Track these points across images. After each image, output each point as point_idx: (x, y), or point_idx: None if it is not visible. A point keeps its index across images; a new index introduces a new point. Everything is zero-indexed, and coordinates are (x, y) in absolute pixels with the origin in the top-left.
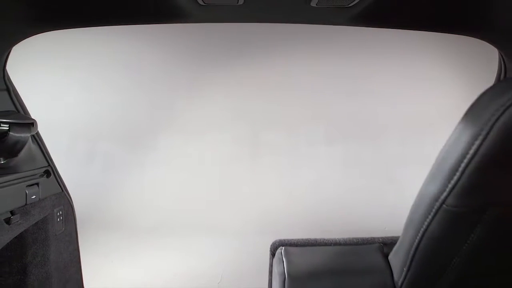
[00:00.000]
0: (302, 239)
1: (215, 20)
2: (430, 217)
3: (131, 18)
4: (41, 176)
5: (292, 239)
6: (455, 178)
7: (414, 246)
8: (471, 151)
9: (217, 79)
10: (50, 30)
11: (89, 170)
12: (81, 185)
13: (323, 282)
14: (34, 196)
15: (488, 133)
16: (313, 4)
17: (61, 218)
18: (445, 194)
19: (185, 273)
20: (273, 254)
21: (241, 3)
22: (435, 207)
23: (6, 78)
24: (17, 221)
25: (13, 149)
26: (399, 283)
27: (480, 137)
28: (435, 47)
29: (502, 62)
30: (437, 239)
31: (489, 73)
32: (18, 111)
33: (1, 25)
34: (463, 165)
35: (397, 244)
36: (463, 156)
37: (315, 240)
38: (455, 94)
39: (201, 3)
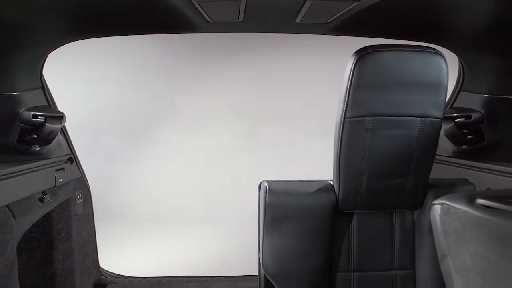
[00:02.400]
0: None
1: (219, 31)
2: (341, 130)
3: (151, 29)
4: (66, 162)
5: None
6: (346, 99)
7: (337, 158)
8: (350, 80)
9: (216, 75)
10: (81, 39)
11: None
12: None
13: (291, 195)
14: (61, 179)
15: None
16: (297, 20)
17: (81, 200)
18: (344, 110)
19: (186, 260)
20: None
21: (241, 20)
22: (342, 122)
23: (42, 78)
24: (48, 200)
25: (48, 138)
26: (337, 191)
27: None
28: None
29: (461, 69)
30: (348, 146)
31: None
32: (50, 106)
33: (43, 35)
34: (348, 89)
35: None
36: (348, 84)
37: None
38: None
39: (209, 20)
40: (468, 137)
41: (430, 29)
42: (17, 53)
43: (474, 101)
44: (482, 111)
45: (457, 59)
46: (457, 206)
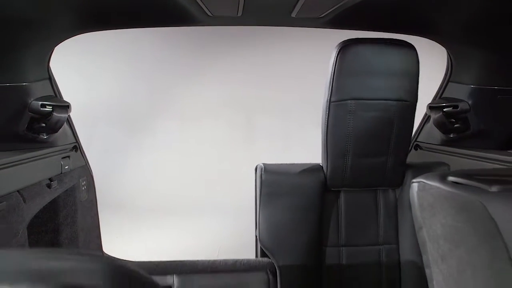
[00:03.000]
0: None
1: (219, 25)
2: (327, 113)
3: (154, 22)
4: (71, 150)
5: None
6: (331, 85)
7: (324, 139)
8: (334, 69)
9: (214, 67)
10: (86, 33)
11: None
12: None
13: (284, 175)
14: (67, 167)
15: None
16: (293, 15)
17: (85, 187)
18: (329, 95)
19: (185, 247)
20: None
21: (240, 14)
22: (327, 105)
23: (49, 70)
24: (55, 186)
25: (55, 127)
26: (325, 170)
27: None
28: None
29: (449, 61)
30: (334, 127)
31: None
32: (56, 96)
33: (50, 30)
34: (332, 76)
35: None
36: (332, 72)
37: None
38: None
39: (209, 14)
40: (455, 125)
41: (420, 23)
42: (27, 47)
43: (461, 92)
44: (469, 101)
45: (445, 51)
46: (431, 183)
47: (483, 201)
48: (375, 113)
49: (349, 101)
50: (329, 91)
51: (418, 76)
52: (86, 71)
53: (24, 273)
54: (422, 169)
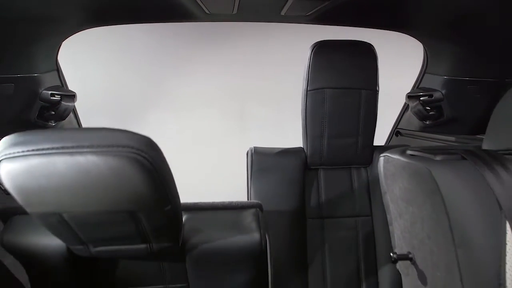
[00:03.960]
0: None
1: (215, 21)
2: (305, 101)
3: (155, 18)
4: None
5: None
6: (308, 76)
7: (304, 123)
8: (309, 64)
9: (207, 58)
10: (91, 28)
11: None
12: None
13: (271, 155)
14: None
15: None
16: (282, 13)
17: None
18: (306, 85)
19: None
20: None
21: (235, 12)
22: (305, 94)
23: (57, 62)
24: None
25: (63, 115)
26: (306, 151)
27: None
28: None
29: (425, 55)
30: (311, 113)
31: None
32: (63, 86)
33: (59, 25)
34: (308, 70)
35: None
36: (308, 66)
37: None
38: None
39: (207, 12)
40: (430, 113)
41: (398, 20)
42: (38, 42)
43: (436, 82)
44: (442, 91)
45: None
46: (394, 156)
47: (429, 167)
48: (344, 100)
49: (322, 90)
50: (306, 81)
51: (377, 69)
52: (79, 62)
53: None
54: (387, 150)
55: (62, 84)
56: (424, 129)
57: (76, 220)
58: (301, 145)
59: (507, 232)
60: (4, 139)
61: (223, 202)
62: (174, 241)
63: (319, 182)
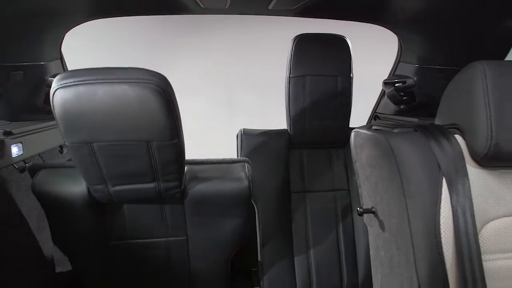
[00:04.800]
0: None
1: (208, 13)
2: (288, 87)
3: (153, 11)
4: None
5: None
6: (290, 65)
7: (287, 108)
8: (291, 54)
9: (193, 45)
10: (92, 20)
11: None
12: None
13: (260, 136)
14: None
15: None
16: (270, 7)
17: None
18: (289, 72)
19: None
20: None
21: (227, 7)
22: (288, 81)
23: (60, 51)
24: (65, 152)
25: None
26: (290, 132)
27: None
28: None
29: (399, 45)
30: (294, 98)
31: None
32: None
33: (63, 16)
34: (290, 59)
35: None
36: (290, 56)
37: None
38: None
39: (202, 6)
40: (404, 98)
41: (375, 13)
42: (45, 33)
43: (409, 70)
44: (414, 78)
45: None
46: (362, 131)
47: (387, 138)
48: (323, 86)
49: (303, 77)
50: (288, 70)
51: (351, 59)
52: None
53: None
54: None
55: (65, 71)
56: (399, 113)
57: (103, 151)
58: (285, 127)
59: (443, 186)
60: (59, 75)
61: (217, 158)
62: (177, 180)
63: (301, 160)
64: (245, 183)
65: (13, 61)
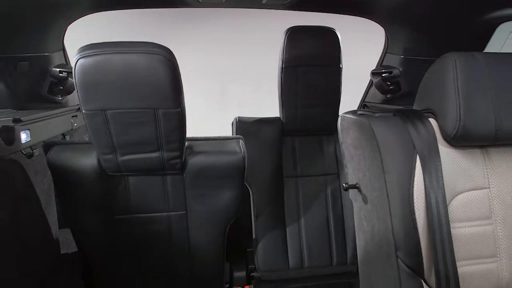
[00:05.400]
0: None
1: (206, 7)
2: (281, 77)
3: (154, 4)
4: (77, 110)
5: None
6: (283, 56)
7: (280, 96)
8: (284, 45)
9: (185, 36)
10: (93, 13)
11: None
12: None
13: (254, 123)
14: (75, 124)
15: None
16: (263, 2)
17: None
18: (282, 63)
19: None
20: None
21: (224, 0)
22: (281, 71)
23: (63, 42)
24: (67, 139)
25: (70, 90)
26: (282, 120)
27: None
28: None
29: (386, 37)
30: (286, 87)
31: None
32: (68, 64)
33: (68, 9)
34: (283, 50)
35: None
36: (283, 47)
37: None
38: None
39: (200, 0)
40: (390, 87)
41: (363, 7)
42: (49, 25)
43: (395, 61)
44: (400, 68)
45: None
46: (348, 115)
47: (370, 122)
48: (314, 76)
49: (295, 67)
50: (281, 60)
51: (340, 50)
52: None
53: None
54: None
55: (67, 62)
56: (385, 101)
57: (115, 119)
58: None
59: (417, 162)
60: (80, 47)
61: (213, 136)
62: (179, 150)
63: (294, 146)
64: (240, 155)
65: (20, 52)
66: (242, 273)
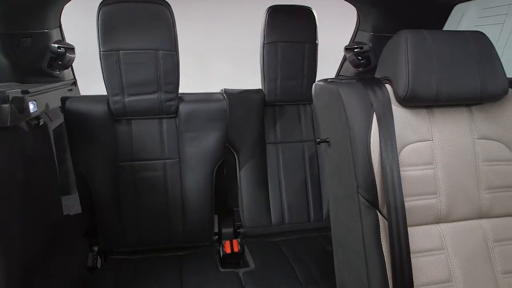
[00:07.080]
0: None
1: None
2: (263, 51)
3: None
4: (72, 84)
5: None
6: (264, 32)
7: (262, 68)
8: (265, 22)
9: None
10: None
11: None
12: None
13: (238, 94)
14: None
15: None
16: None
17: None
18: (263, 39)
19: None
20: None
21: None
22: (263, 46)
23: (60, 20)
24: None
25: (67, 65)
26: (264, 91)
27: None
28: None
29: (358, 16)
30: (267, 60)
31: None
32: (64, 40)
33: None
34: (264, 27)
35: None
36: (264, 24)
37: None
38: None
39: None
40: (361, 62)
41: None
42: (49, 4)
43: (366, 38)
44: (370, 44)
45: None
46: (320, 83)
47: (338, 88)
48: (293, 50)
49: (276, 43)
50: (262, 37)
51: (316, 27)
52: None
53: None
54: None
55: (63, 38)
56: (357, 74)
57: (125, 59)
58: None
59: (374, 119)
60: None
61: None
62: (174, 92)
63: (275, 115)
64: (223, 101)
65: (22, 28)
66: (230, 229)
